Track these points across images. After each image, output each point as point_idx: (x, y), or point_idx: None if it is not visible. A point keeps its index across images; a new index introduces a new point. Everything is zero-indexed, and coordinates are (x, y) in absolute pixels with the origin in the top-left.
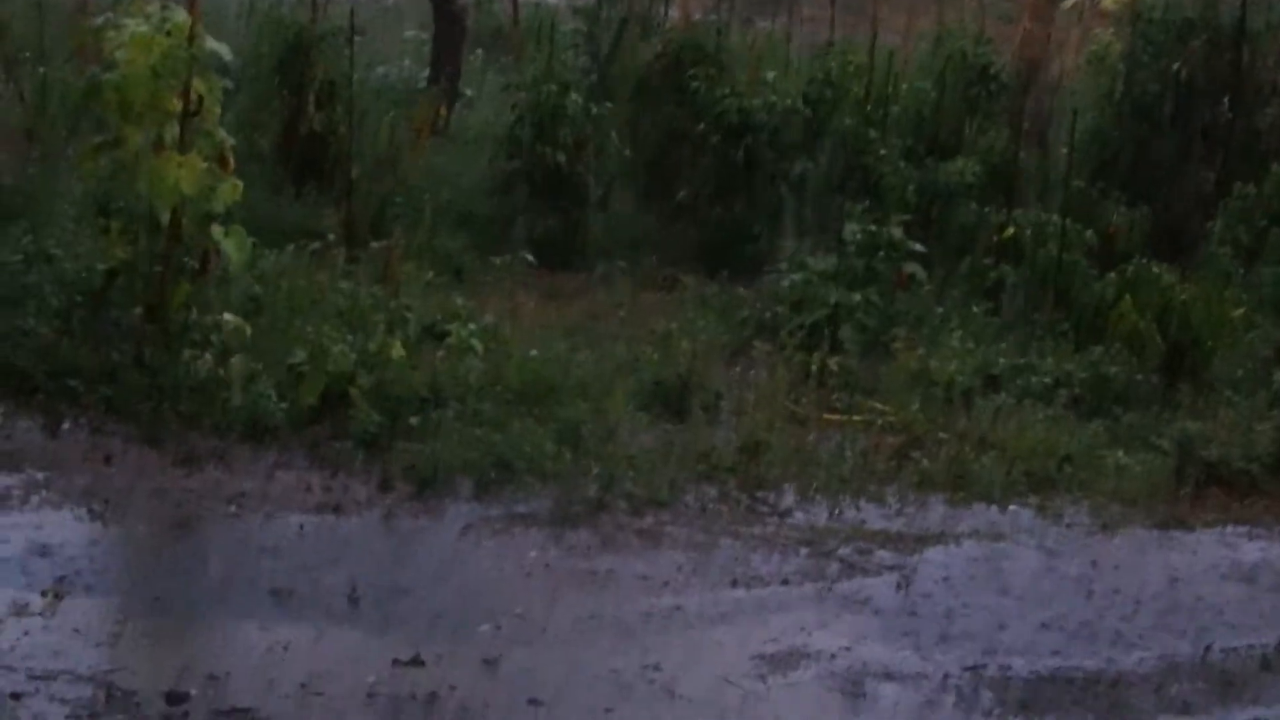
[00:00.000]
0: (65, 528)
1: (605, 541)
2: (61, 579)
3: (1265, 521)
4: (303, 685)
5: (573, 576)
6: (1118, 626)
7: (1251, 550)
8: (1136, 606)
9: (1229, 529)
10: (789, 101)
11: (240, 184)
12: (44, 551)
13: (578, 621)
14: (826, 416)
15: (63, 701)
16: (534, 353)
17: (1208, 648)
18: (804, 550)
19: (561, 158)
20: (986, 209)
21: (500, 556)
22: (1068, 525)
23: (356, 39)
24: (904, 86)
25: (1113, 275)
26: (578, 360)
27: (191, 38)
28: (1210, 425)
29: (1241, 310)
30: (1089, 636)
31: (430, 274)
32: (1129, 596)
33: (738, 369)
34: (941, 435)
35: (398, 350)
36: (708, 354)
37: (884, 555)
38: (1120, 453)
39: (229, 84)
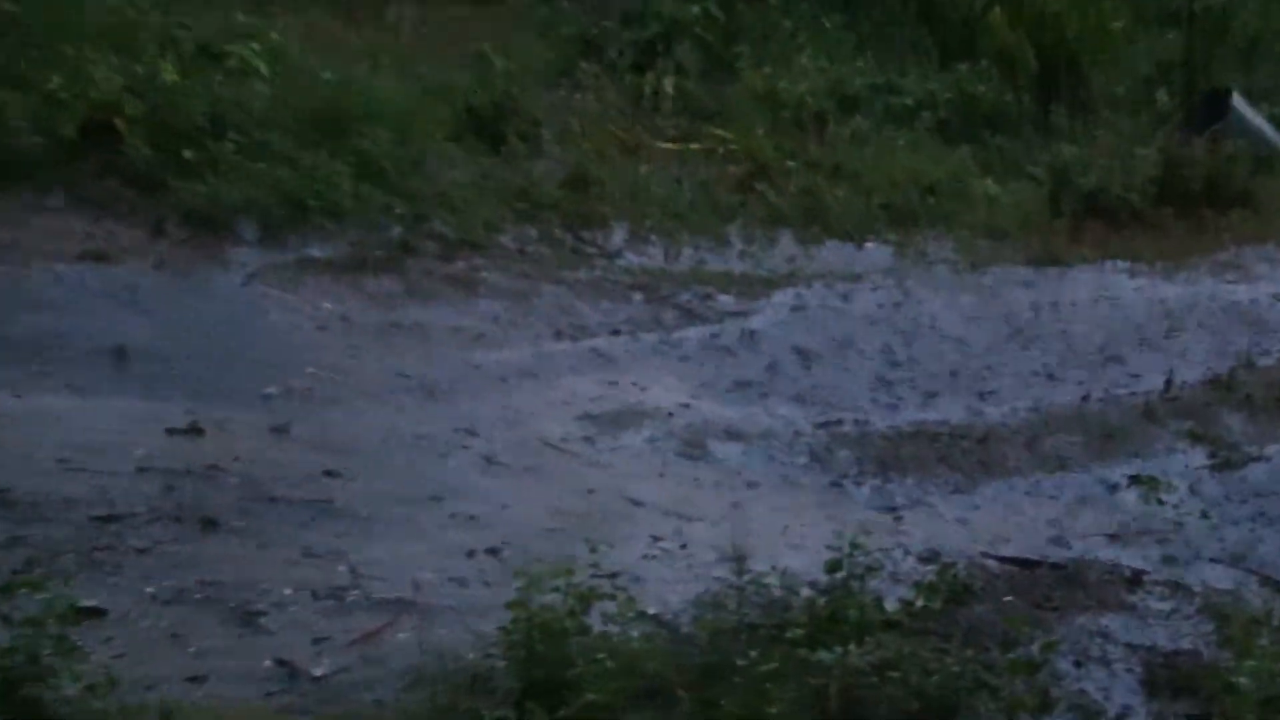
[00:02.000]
0: None
1: (411, 290)
2: None
3: (1146, 256)
4: (61, 460)
5: (374, 330)
6: (986, 375)
7: (1132, 288)
8: (1007, 352)
9: (1108, 264)
10: None
11: None
12: None
13: (380, 381)
14: (662, 145)
15: None
16: (328, 75)
17: (1085, 397)
18: (637, 296)
19: None
20: None
21: (290, 309)
22: (931, 263)
23: None
24: None
25: None
26: (379, 84)
27: None
28: (1088, 150)
29: (1121, 23)
30: (955, 388)
31: None
32: (999, 342)
33: (561, 93)
34: (790, 164)
35: (170, 73)
36: (527, 77)
37: (726, 300)
38: (989, 182)
39: None
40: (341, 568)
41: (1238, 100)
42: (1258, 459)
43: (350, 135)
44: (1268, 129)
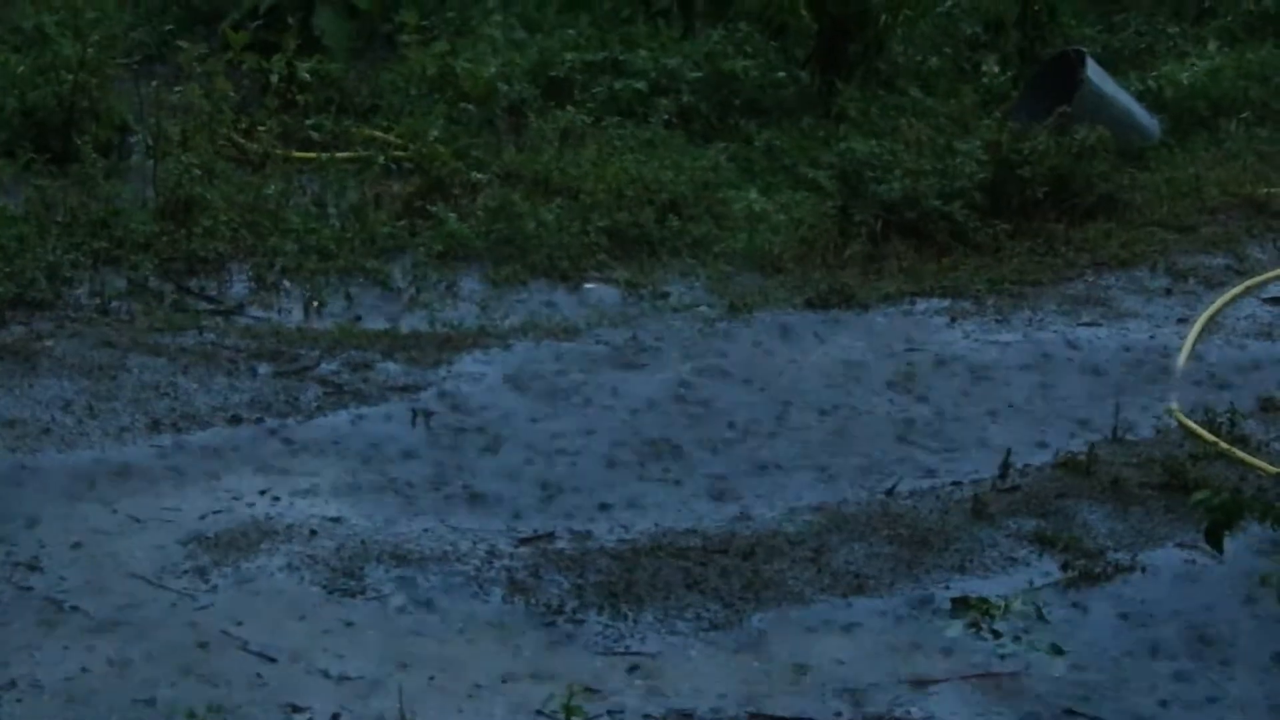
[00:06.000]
0: None
1: None
2: None
3: (973, 290)
4: None
5: None
6: (754, 465)
7: (955, 338)
8: (782, 431)
9: (919, 304)
10: None
11: None
12: None
13: None
14: (297, 154)
15: None
16: None
17: (889, 490)
18: (264, 368)
19: None
20: None
21: None
22: (674, 308)
23: None
24: None
25: None
26: None
27: None
28: (889, 145)
29: None
30: (712, 483)
31: None
32: (771, 417)
33: (155, 84)
34: (477, 176)
35: None
36: (105, 61)
37: (389, 370)
38: (753, 193)
39: None
40: None
41: (1093, 69)
42: (1129, 569)
43: None
44: (1135, 107)
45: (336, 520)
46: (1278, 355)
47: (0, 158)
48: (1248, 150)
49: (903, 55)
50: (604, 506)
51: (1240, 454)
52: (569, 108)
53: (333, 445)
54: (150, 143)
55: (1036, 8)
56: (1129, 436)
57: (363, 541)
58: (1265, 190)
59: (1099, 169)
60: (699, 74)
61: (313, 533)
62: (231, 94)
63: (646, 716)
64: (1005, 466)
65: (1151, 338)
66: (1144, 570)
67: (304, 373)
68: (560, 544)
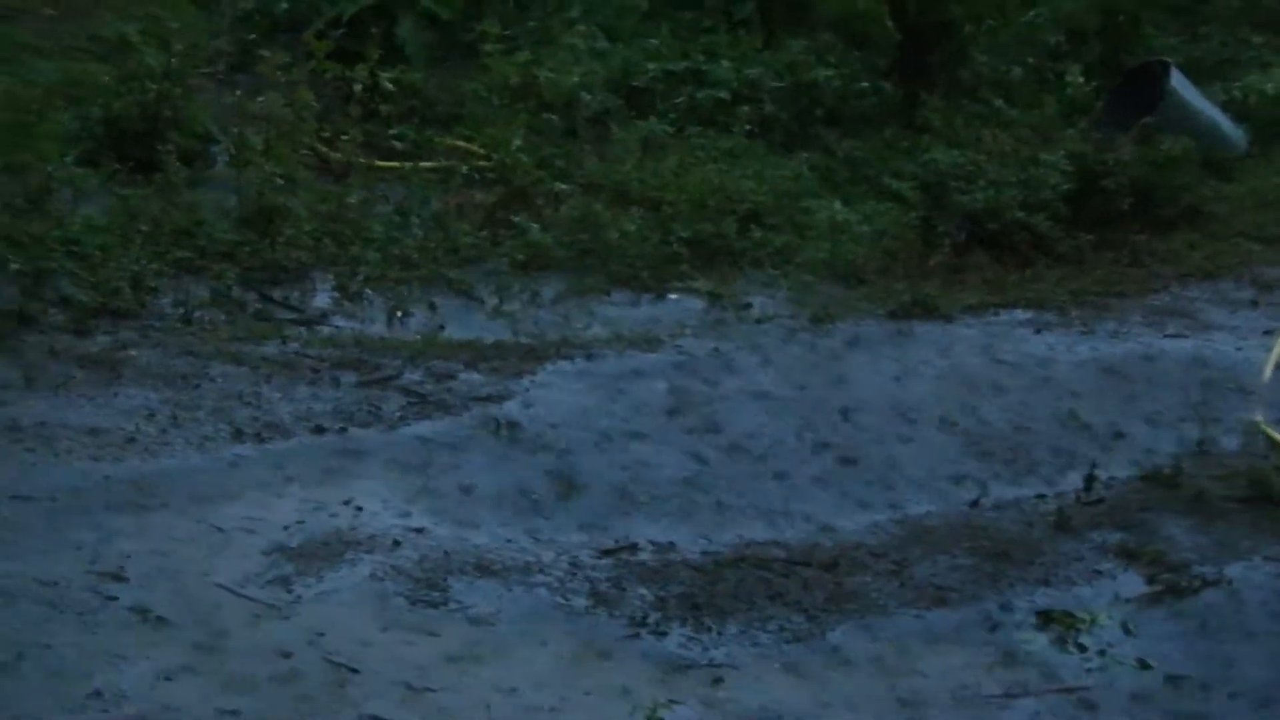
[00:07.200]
0: None
1: (29, 377)
2: None
3: (1056, 301)
4: None
5: None
6: (835, 476)
7: (1038, 349)
8: (865, 442)
9: (1002, 315)
10: None
11: None
12: None
13: None
14: (380, 164)
15: None
16: None
17: (973, 503)
18: (347, 378)
19: None
20: None
21: None
22: (757, 320)
23: None
24: None
25: None
26: None
27: None
28: (972, 156)
29: None
30: (793, 494)
31: None
32: (853, 428)
33: (237, 93)
34: (559, 186)
35: None
36: (189, 72)
37: (472, 380)
38: (837, 204)
39: None
40: None
41: (1177, 79)
42: (1214, 583)
43: None
44: (1220, 118)
45: (419, 530)
46: None
47: (84, 167)
48: None
49: (985, 65)
50: (686, 517)
51: None
52: (651, 117)
53: (416, 455)
54: (233, 152)
55: (1120, 18)
56: (1213, 449)
57: (445, 552)
58: None
59: (1183, 180)
60: (780, 83)
61: (396, 543)
62: (313, 103)
63: None
64: (1089, 479)
65: (1237, 350)
66: (1230, 584)
67: (387, 382)
68: (643, 555)
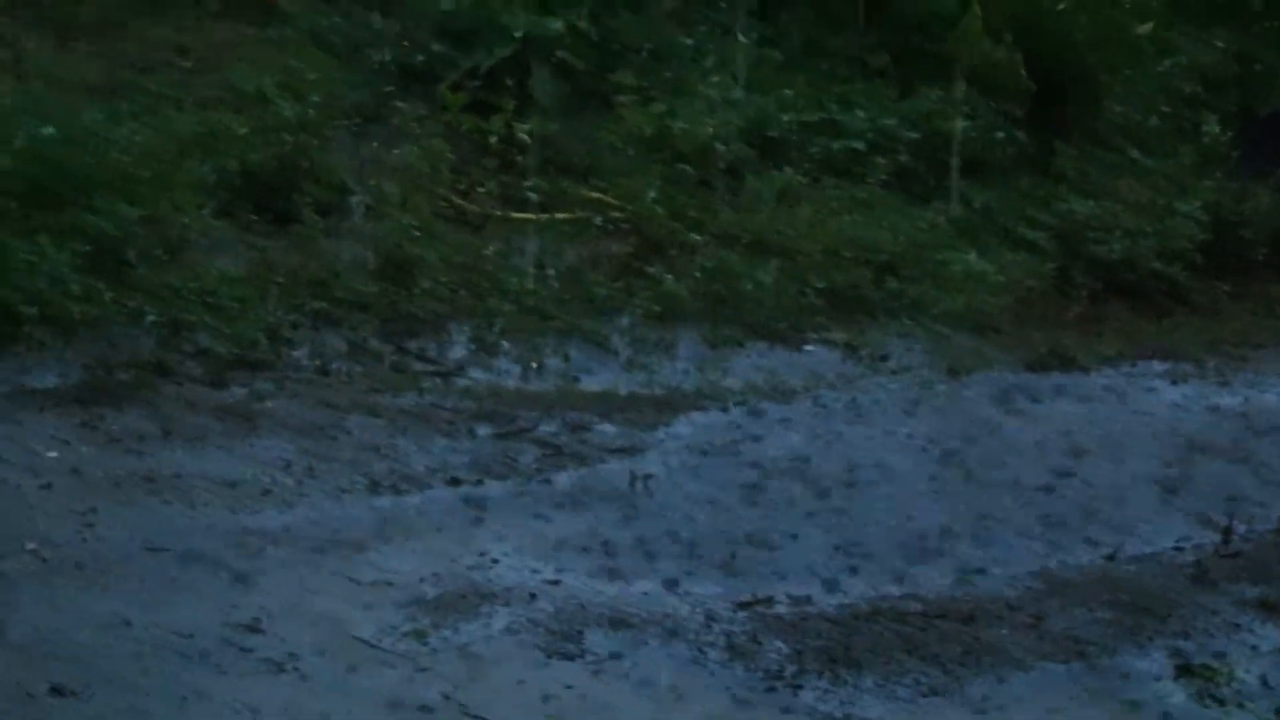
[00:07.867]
0: None
1: (167, 428)
2: None
3: (1193, 351)
4: None
5: (116, 486)
6: (971, 530)
7: (1175, 400)
8: (1002, 496)
9: (1139, 365)
10: None
11: None
12: None
13: (124, 558)
14: (515, 215)
15: None
16: (49, 129)
17: (1110, 556)
18: (483, 430)
19: None
20: None
21: (1, 460)
22: (893, 371)
23: None
24: None
25: None
26: (119, 136)
27: None
28: (1109, 205)
29: (1151, 24)
30: (929, 549)
31: None
32: (991, 482)
33: (373, 144)
34: (694, 237)
35: None
36: (325, 123)
37: (607, 432)
38: (972, 254)
39: None
40: None
41: None
42: None
43: (79, 211)
44: None
45: (555, 583)
46: None
47: (221, 218)
48: None
49: (1121, 114)
50: (821, 569)
51: None
52: (785, 168)
53: (551, 507)
54: (369, 203)
55: (1256, 66)
56: None
57: (581, 604)
58: None
59: None
60: (915, 133)
61: (532, 595)
62: (449, 154)
63: None
64: (1227, 532)
65: None
66: None
67: (522, 434)
68: (779, 608)
